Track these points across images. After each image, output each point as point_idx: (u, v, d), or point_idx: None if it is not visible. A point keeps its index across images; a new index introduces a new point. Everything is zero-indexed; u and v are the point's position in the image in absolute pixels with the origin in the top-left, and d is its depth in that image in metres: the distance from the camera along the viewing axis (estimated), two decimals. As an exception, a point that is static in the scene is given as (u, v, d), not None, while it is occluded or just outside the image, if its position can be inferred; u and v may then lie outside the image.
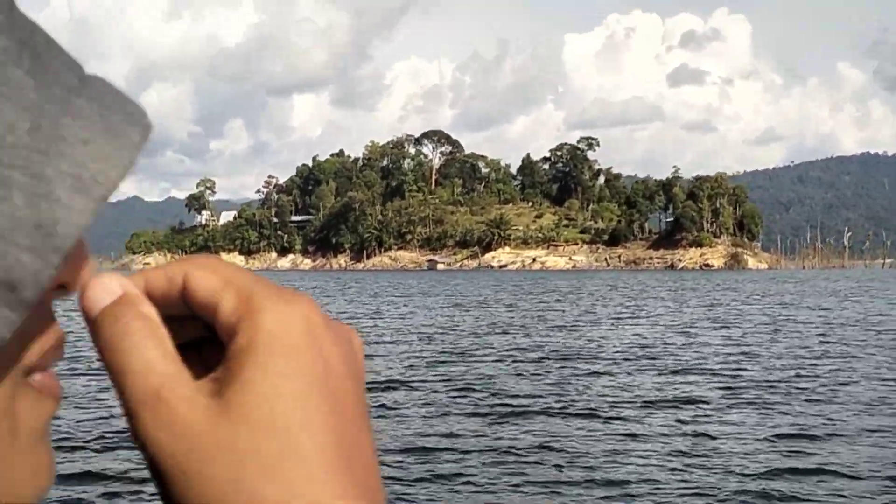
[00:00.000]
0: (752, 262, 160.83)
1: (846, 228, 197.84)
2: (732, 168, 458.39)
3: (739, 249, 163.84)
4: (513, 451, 9.60)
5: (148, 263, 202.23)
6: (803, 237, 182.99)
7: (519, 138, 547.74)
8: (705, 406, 12.45)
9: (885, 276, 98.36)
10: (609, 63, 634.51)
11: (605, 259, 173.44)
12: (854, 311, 34.63)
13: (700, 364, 17.47)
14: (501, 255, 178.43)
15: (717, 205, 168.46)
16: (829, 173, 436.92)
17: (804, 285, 68.26)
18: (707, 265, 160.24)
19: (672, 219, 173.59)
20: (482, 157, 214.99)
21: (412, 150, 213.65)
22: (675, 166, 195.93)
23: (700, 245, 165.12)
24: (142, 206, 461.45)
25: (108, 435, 10.18)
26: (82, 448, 9.67)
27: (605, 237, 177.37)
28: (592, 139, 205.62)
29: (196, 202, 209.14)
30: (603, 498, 7.92)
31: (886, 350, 20.09)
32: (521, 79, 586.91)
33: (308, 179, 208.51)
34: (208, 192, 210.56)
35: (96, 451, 9.58)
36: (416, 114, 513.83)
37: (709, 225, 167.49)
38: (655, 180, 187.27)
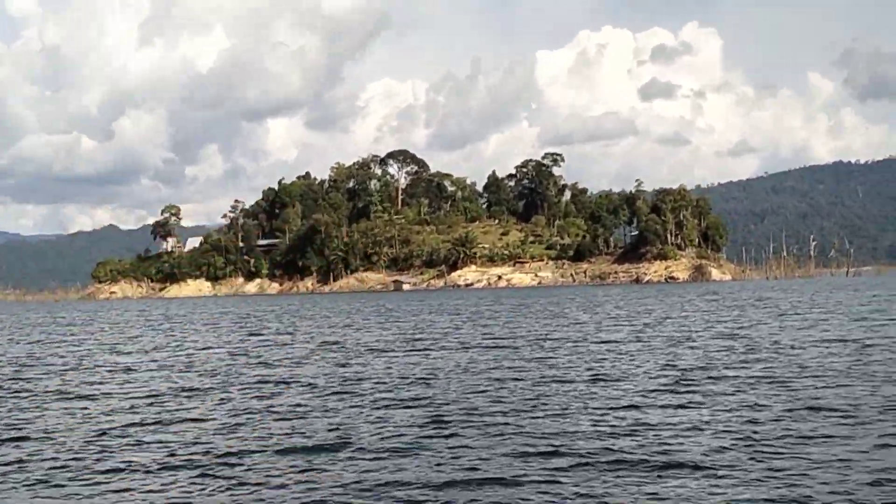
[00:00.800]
0: (716, 274, 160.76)
1: (811, 237, 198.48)
2: (707, 180, 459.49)
3: (703, 261, 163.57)
4: None
5: (114, 292, 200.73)
6: (775, 247, 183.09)
7: (494, 156, 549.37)
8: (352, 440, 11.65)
9: (839, 285, 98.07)
10: (581, 79, 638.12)
11: (571, 275, 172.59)
12: (735, 324, 33.91)
13: (446, 390, 16.72)
14: (468, 274, 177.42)
15: (681, 217, 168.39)
16: (802, 183, 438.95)
17: (730, 297, 67.71)
18: (672, 278, 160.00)
19: (636, 232, 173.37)
20: (448, 175, 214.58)
21: (378, 171, 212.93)
22: (637, 179, 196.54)
23: (665, 258, 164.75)
24: (118, 234, 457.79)
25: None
26: None
27: (571, 252, 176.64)
28: (557, 155, 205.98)
29: (162, 229, 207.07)
30: None
31: (702, 363, 19.30)
32: (495, 97, 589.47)
33: (274, 203, 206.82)
34: (174, 218, 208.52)
35: None
36: (390, 134, 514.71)
37: (673, 237, 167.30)
38: (619, 194, 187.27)
